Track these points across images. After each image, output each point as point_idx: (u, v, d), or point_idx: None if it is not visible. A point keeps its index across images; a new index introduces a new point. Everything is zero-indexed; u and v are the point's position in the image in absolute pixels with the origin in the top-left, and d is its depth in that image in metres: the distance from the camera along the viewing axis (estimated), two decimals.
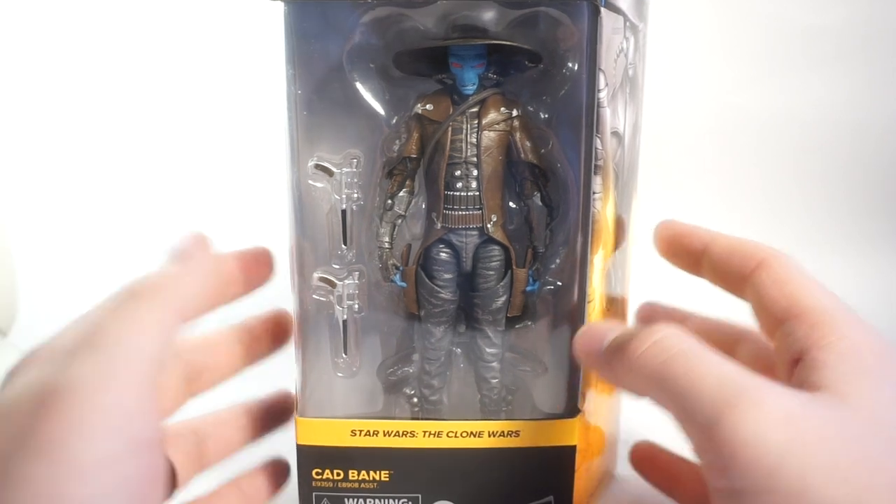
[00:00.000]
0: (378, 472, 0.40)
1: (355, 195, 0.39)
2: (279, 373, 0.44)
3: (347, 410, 0.41)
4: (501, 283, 0.39)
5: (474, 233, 0.39)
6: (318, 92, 0.38)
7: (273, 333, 0.39)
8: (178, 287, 0.31)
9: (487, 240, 0.39)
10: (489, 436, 0.39)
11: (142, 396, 0.28)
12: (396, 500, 0.40)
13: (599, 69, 0.36)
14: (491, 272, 0.39)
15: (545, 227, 0.39)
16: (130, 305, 0.29)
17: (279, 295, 0.42)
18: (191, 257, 0.33)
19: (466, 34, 0.37)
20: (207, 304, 0.33)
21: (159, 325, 0.29)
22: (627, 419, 0.47)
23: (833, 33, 0.77)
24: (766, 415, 0.27)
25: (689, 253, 0.37)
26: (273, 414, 0.41)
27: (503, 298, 0.40)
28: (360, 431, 0.39)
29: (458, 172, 0.38)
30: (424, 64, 0.38)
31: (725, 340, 0.38)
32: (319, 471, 0.40)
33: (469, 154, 0.38)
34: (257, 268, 0.36)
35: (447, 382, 0.41)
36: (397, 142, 0.39)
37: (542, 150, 0.39)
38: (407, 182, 0.39)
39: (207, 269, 0.33)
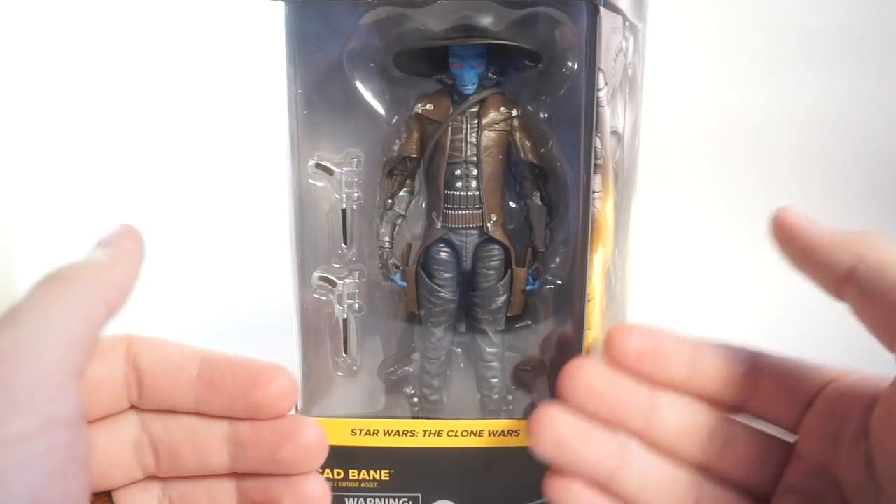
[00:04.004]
0: (378, 472, 0.40)
1: (355, 194, 0.39)
2: None
3: (348, 410, 0.41)
4: (501, 283, 0.39)
5: (474, 232, 0.39)
6: (319, 91, 0.38)
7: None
8: (102, 273, 0.31)
9: (487, 239, 0.39)
10: (489, 435, 0.39)
11: (58, 374, 0.28)
12: (396, 500, 0.40)
13: (599, 69, 0.36)
14: (491, 271, 0.39)
15: (545, 227, 0.39)
16: (52, 289, 0.30)
17: (279, 295, 0.42)
18: (118, 245, 0.32)
19: (466, 34, 0.37)
20: (133, 291, 0.32)
21: (79, 307, 0.29)
22: None
23: (830, 33, 0.77)
24: None
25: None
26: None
27: (503, 298, 0.40)
28: (361, 431, 0.39)
29: (458, 172, 0.38)
30: (424, 64, 0.38)
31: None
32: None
33: (469, 154, 0.38)
34: None
35: (447, 382, 0.41)
36: (397, 141, 0.39)
37: (542, 150, 0.39)
38: (407, 182, 0.39)
39: (135, 257, 0.33)
